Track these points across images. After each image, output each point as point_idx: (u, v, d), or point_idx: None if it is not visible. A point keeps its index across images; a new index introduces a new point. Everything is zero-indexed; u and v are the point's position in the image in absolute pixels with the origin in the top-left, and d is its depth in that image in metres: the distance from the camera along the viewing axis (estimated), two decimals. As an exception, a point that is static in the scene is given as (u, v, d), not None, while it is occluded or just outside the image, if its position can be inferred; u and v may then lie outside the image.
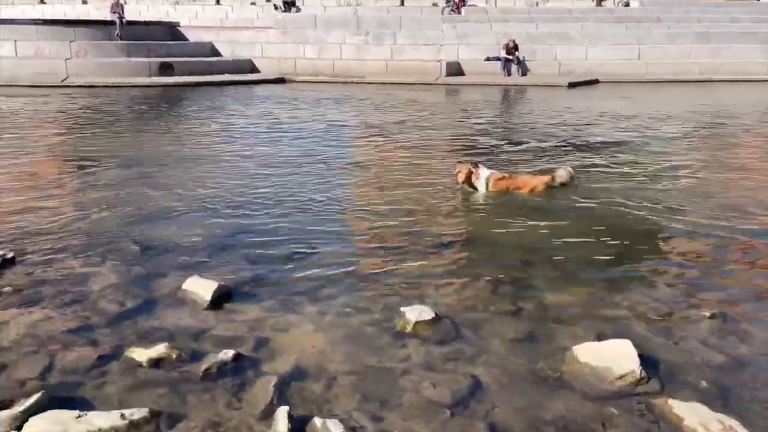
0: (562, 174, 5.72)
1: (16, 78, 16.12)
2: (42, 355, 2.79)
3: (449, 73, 19.01)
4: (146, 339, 2.94)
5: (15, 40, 17.88)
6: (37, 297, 3.40)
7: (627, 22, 22.84)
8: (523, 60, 19.39)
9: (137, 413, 2.28)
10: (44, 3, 36.02)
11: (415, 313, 3.05)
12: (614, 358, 2.51)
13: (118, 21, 19.37)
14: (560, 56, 19.87)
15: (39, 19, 20.55)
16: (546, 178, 5.68)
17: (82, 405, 2.42)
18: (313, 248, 4.20)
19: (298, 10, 29.20)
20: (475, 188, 5.60)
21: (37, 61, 17.11)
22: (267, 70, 19.84)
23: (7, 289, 3.47)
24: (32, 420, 2.24)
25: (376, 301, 3.37)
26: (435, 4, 31.86)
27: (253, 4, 34.68)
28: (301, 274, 3.75)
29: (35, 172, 6.54)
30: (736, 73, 18.47)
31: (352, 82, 18.15)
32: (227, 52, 20.97)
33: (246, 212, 5.04)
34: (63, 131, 9.35)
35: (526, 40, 19.90)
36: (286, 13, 27.46)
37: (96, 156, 7.31)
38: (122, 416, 2.26)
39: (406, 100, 13.95)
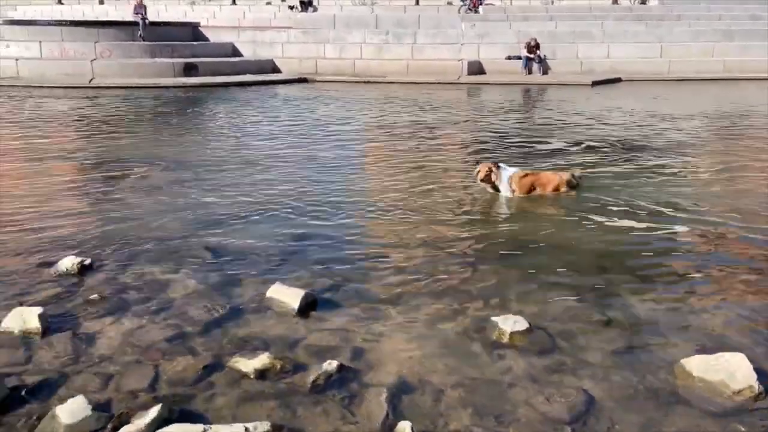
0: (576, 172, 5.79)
1: (42, 79, 16.25)
2: (146, 365, 2.81)
3: (470, 72, 18.97)
4: (244, 348, 2.95)
5: (40, 41, 18.00)
6: (123, 305, 3.43)
7: (647, 20, 22.71)
8: (545, 58, 19.32)
9: (260, 427, 2.29)
10: (62, 3, 36.27)
11: (510, 323, 3.04)
12: (728, 371, 2.50)
13: (141, 22, 19.45)
14: (581, 54, 19.79)
15: (64, 21, 20.67)
16: (566, 175, 5.65)
17: (197, 418, 2.44)
18: (385, 255, 4.20)
19: (315, 9, 29.24)
20: (497, 189, 5.56)
21: (63, 62, 17.24)
22: (288, 69, 19.87)
23: (94, 296, 3.49)
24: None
25: (460, 309, 3.37)
26: (450, 3, 31.78)
27: (268, 3, 34.80)
28: (379, 281, 3.76)
29: (83, 177, 6.56)
30: (762, 71, 18.29)
31: (374, 82, 18.15)
32: (248, 52, 21.03)
33: (307, 217, 5.06)
34: (98, 133, 9.39)
35: (546, 39, 19.82)
36: (304, 13, 27.48)
37: (138, 159, 7.34)
38: (246, 430, 2.27)
39: (444, 100, 13.91)
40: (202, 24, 23.61)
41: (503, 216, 5.29)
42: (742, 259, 4.13)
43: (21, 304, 3.37)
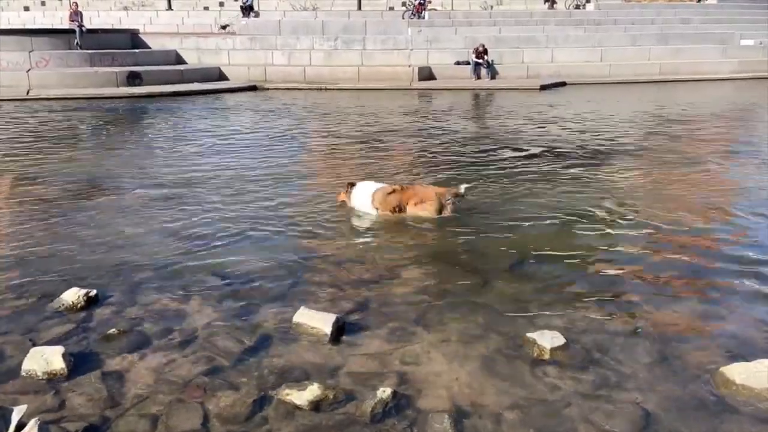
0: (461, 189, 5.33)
1: (-27, 91, 15.32)
2: (190, 404, 2.70)
3: (421, 78, 19.16)
4: (286, 379, 2.89)
5: (-32, 51, 16.98)
6: (145, 338, 3.29)
7: (586, 24, 23.56)
8: (492, 63, 19.74)
9: (337, 463, 2.25)
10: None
11: (548, 339, 3.11)
12: (768, 376, 2.64)
13: (78, 29, 18.60)
14: (527, 59, 20.32)
15: (-6, 28, 19.53)
16: (441, 190, 5.32)
17: (261, 456, 2.37)
18: (394, 272, 4.20)
19: (257, 15, 28.81)
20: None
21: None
22: (236, 77, 19.47)
23: (112, 331, 3.33)
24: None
25: (489, 326, 3.41)
26: (392, 8, 32.03)
27: (206, 9, 34.04)
28: (400, 300, 3.76)
29: (52, 197, 6.21)
30: (695, 73, 19.36)
31: (325, 89, 18.08)
32: (193, 60, 20.48)
33: (301, 235, 4.99)
34: (53, 150, 8.91)
35: (492, 44, 20.22)
36: (246, 19, 27.02)
37: (101, 177, 7.02)
38: (324, 468, 2.22)
39: (396, 106, 13.98)
40: (140, 31, 22.81)
41: (497, 225, 5.35)
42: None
43: (33, 343, 3.18)
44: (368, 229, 5.20)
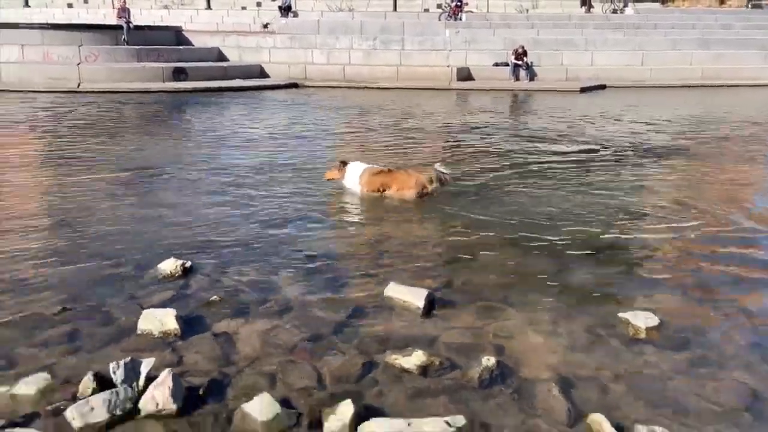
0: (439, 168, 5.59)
1: (27, 83, 15.79)
2: (303, 364, 2.81)
3: (459, 78, 19.22)
4: (388, 346, 2.98)
5: (21, 45, 17.52)
6: (244, 306, 3.41)
7: (625, 28, 23.36)
8: (531, 65, 19.71)
9: (458, 421, 2.34)
10: (29, 6, 35.29)
11: (641, 319, 3.16)
12: None
13: (125, 26, 19.09)
14: (566, 61, 20.25)
15: (45, 24, 20.08)
16: (423, 177, 5.54)
17: (378, 413, 2.46)
18: (472, 254, 4.28)
19: (296, 15, 29.16)
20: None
21: (48, 66, 16.79)
22: (276, 74, 19.75)
23: (214, 297, 3.47)
24: (365, 427, 2.28)
25: (576, 306, 3.46)
26: (427, 9, 32.18)
27: (243, 8, 34.55)
28: (482, 280, 3.83)
29: (123, 180, 6.41)
30: (736, 78, 19.06)
31: (365, 87, 18.25)
32: (234, 57, 20.85)
33: (369, 218, 5.11)
34: (113, 138, 9.18)
35: (530, 46, 20.19)
36: (285, 18, 27.37)
37: (163, 163, 7.21)
38: (447, 423, 2.31)
39: (436, 105, 14.05)
40: (183, 28, 23.27)
41: (563, 215, 5.39)
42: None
43: (141, 307, 3.33)
44: (431, 213, 5.27)
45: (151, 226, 4.81)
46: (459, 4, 26.68)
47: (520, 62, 19.38)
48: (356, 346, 3.01)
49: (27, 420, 2.35)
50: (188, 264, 3.86)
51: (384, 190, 5.61)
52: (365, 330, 3.18)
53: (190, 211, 5.27)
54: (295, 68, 19.85)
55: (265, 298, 3.52)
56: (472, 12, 27.52)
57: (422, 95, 16.80)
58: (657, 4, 32.83)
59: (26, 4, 35.40)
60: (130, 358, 2.62)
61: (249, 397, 2.50)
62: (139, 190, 6.07)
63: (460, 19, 25.46)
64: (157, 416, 2.39)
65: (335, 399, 2.52)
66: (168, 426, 2.35)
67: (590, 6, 31.09)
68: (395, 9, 31.58)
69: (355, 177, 5.68)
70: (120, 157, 7.60)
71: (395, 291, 3.50)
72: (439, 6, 31.10)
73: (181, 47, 20.26)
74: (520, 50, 19.38)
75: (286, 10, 28.89)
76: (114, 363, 2.57)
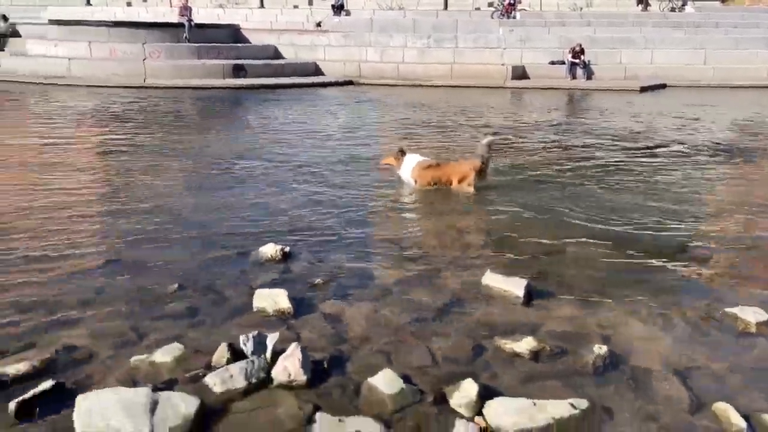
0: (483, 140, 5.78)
1: (94, 78, 16.39)
2: (415, 345, 2.91)
3: (514, 77, 19.07)
4: (494, 331, 3.04)
5: (89, 42, 18.22)
6: (345, 290, 3.53)
7: (685, 27, 22.74)
8: (589, 63, 19.39)
9: (581, 404, 2.39)
10: (90, 4, 36.61)
11: (750, 313, 3.14)
12: None
13: (186, 24, 19.62)
14: (624, 60, 19.85)
15: (110, 21, 20.84)
16: (476, 163, 5.67)
17: (495, 393, 2.53)
18: (562, 248, 4.30)
19: (348, 13, 29.39)
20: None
21: (115, 63, 17.42)
22: (331, 72, 19.99)
23: (317, 280, 3.61)
24: (491, 405, 2.35)
25: (677, 300, 3.46)
26: (477, 8, 32.00)
27: (296, 7, 35.05)
28: (577, 272, 3.86)
29: (198, 171, 6.63)
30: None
31: (419, 85, 18.30)
32: (290, 55, 21.18)
33: (447, 209, 5.17)
34: (182, 131, 9.49)
35: (586, 44, 19.85)
36: (338, 17, 27.64)
37: (235, 156, 7.40)
38: (572, 405, 2.36)
39: (494, 103, 14.02)
40: (243, 27, 23.76)
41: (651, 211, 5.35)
42: None
43: (250, 287, 3.48)
44: (512, 207, 5.29)
45: (242, 214, 4.99)
46: (512, 2, 26.45)
47: (577, 60, 19.10)
48: (462, 330, 3.09)
49: (168, 385, 2.51)
50: (287, 249, 4.01)
51: (437, 184, 5.69)
52: (467, 316, 3.25)
53: (276, 200, 5.45)
54: (349, 66, 20.05)
55: (363, 283, 3.64)
56: (525, 10, 27.22)
57: (477, 93, 16.75)
58: (717, 3, 31.82)
59: (88, 3, 36.74)
60: (257, 331, 2.76)
61: (369, 372, 2.61)
62: (223, 179, 6.27)
63: (514, 17, 25.23)
64: (288, 386, 2.51)
65: (452, 378, 2.60)
66: (299, 395, 2.47)
67: (647, 4, 30.37)
68: (446, 7, 31.49)
69: (409, 168, 5.77)
70: (202, 147, 7.88)
71: (493, 280, 3.57)
72: (490, 4, 30.90)
73: (239, 45, 20.71)
74: (577, 48, 19.10)
75: (338, 8, 29.14)
76: (243, 336, 2.72)
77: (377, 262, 4.01)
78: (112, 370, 2.65)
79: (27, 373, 2.53)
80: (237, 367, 2.51)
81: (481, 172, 5.69)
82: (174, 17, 25.76)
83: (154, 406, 2.23)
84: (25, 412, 2.29)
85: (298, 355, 2.56)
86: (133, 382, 2.54)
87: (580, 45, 19.18)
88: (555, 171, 6.79)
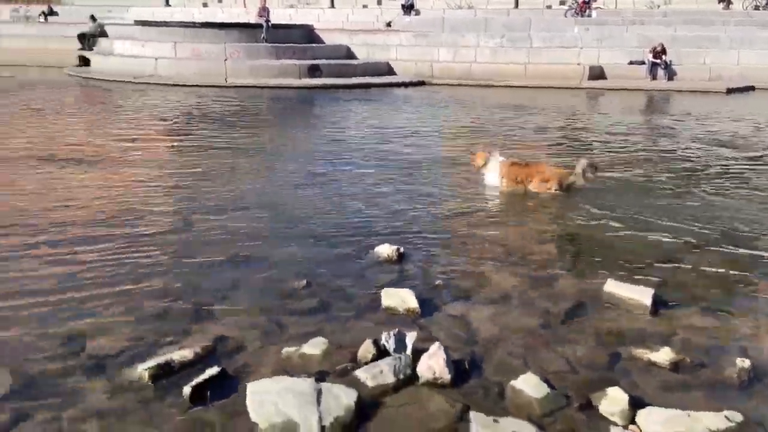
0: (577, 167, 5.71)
1: (179, 78, 17.07)
2: (547, 350, 2.94)
3: (591, 77, 18.66)
4: (625, 340, 3.04)
5: (174, 42, 19.00)
6: (463, 291, 3.61)
7: (772, 25, 21.63)
8: (670, 64, 18.75)
9: (736, 417, 2.37)
10: (169, 5, 38.11)
11: None
12: None
13: (264, 24, 20.17)
14: (709, 60, 19.07)
15: (196, 22, 21.66)
16: (565, 173, 5.66)
17: (641, 402, 2.53)
18: (674, 256, 4.22)
19: (417, 13, 29.46)
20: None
21: (198, 62, 18.10)
22: (403, 72, 20.09)
23: (438, 282, 3.69)
24: (643, 414, 2.36)
25: None
26: (549, 6, 31.41)
27: (365, 7, 35.39)
28: (696, 281, 3.79)
29: (290, 169, 6.83)
30: None
31: (493, 86, 18.15)
32: (362, 54, 21.42)
33: (551, 217, 5.15)
34: (267, 129, 9.80)
35: (667, 44, 19.20)
36: (408, 17, 27.75)
37: (334, 154, 7.62)
38: (726, 418, 2.34)
39: (578, 104, 13.78)
40: (316, 27, 24.21)
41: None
42: None
43: (375, 285, 3.60)
44: (613, 213, 5.21)
45: (348, 212, 5.16)
46: (587, 0, 25.85)
47: (658, 61, 18.49)
48: (591, 336, 3.10)
49: (320, 376, 2.64)
50: (401, 249, 4.11)
51: (523, 183, 5.75)
52: (595, 322, 3.26)
53: (380, 200, 5.57)
54: (421, 66, 20.11)
55: (481, 286, 3.69)
56: (600, 8, 26.53)
57: (554, 93, 16.49)
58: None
59: (167, 3, 38.23)
60: (397, 330, 2.87)
61: (507, 374, 2.68)
62: (324, 178, 6.42)
63: (589, 16, 24.64)
64: (433, 384, 2.60)
65: (593, 384, 2.63)
66: (445, 394, 2.55)
67: (729, 2, 29.03)
68: (517, 6, 31.02)
69: (496, 170, 5.83)
70: (296, 146, 8.16)
71: (616, 287, 3.55)
72: (562, 2, 30.27)
73: (313, 45, 21.12)
74: (659, 48, 18.49)
75: (408, 8, 29.24)
76: (385, 333, 2.83)
77: (490, 265, 4.05)
78: (264, 359, 2.81)
79: (191, 360, 2.72)
80: (386, 364, 2.62)
81: (563, 185, 5.65)
82: (248, 18, 26.62)
83: (318, 396, 2.37)
84: (197, 396, 2.47)
85: (442, 354, 2.65)
86: (285, 372, 2.69)
87: (662, 44, 18.56)
88: (658, 176, 6.64)
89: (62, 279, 3.65)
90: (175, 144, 8.40)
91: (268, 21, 20.49)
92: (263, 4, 21.02)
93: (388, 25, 27.86)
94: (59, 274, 3.71)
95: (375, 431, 2.33)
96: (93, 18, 23.25)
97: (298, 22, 26.71)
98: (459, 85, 18.49)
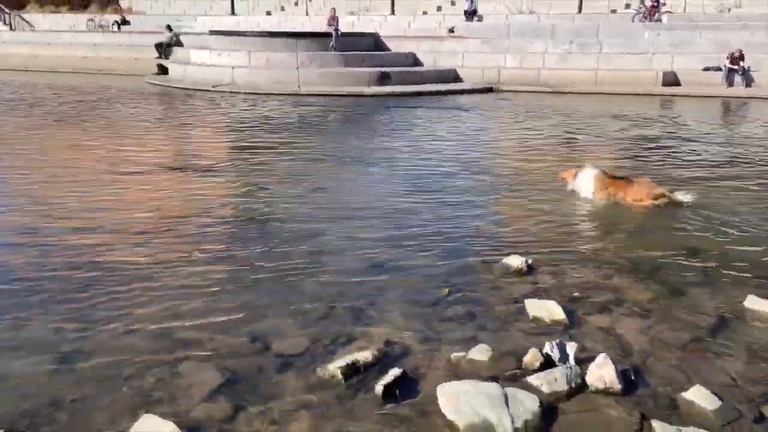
0: (680, 196, 5.74)
1: (254, 86, 17.68)
2: (704, 362, 3.04)
3: (665, 83, 18.32)
4: (778, 356, 3.11)
5: (249, 51, 19.66)
6: (602, 304, 3.72)
7: None
8: (748, 70, 18.21)
9: None
10: (235, 14, 39.31)
11: None
12: None
13: (334, 33, 20.64)
14: (789, 66, 18.43)
15: (268, 31, 22.33)
16: (659, 191, 5.71)
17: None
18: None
19: (480, 18, 29.47)
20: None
21: (272, 71, 18.69)
22: (469, 78, 20.20)
23: (575, 293, 3.84)
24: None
25: None
26: (614, 11, 30.87)
27: (425, 13, 35.61)
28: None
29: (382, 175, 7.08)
30: None
31: (563, 92, 18.04)
32: (428, 62, 21.63)
33: (666, 228, 5.19)
34: (370, 137, 10.09)
35: (744, 49, 18.65)
36: (470, 23, 27.80)
37: (443, 162, 7.86)
38: None
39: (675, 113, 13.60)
40: (381, 35, 24.59)
41: None
42: None
43: (513, 297, 3.77)
44: (728, 225, 5.22)
45: (465, 222, 5.36)
46: (656, 3, 25.32)
47: (735, 67, 18.00)
48: (744, 351, 3.18)
49: (492, 381, 2.83)
50: (529, 261, 4.27)
51: (615, 197, 5.82)
52: (744, 337, 3.33)
53: (489, 210, 5.76)
54: (488, 72, 20.17)
55: (618, 299, 3.80)
56: (670, 12, 25.94)
57: (628, 101, 16.23)
58: None
59: (232, 12, 39.43)
60: (558, 340, 3.04)
61: (671, 385, 2.80)
62: (430, 186, 6.66)
63: (659, 20, 24.14)
64: (604, 392, 2.75)
65: (760, 398, 2.72)
66: (618, 402, 2.70)
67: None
68: (580, 10, 30.69)
69: (587, 182, 5.92)
70: (393, 154, 8.43)
71: (757, 304, 3.61)
72: (628, 6, 29.72)
73: (381, 53, 21.48)
74: (736, 54, 17.99)
75: (471, 14, 29.29)
76: (549, 343, 3.01)
77: (618, 277, 4.15)
78: (433, 363, 3.02)
79: (371, 362, 2.96)
80: (559, 372, 2.78)
81: (654, 199, 5.72)
82: (311, 26, 27.26)
83: (506, 400, 2.55)
84: (386, 394, 2.70)
85: (611, 365, 2.79)
86: (456, 376, 2.89)
87: (740, 51, 18.04)
88: (757, 188, 6.58)
89: (224, 281, 3.98)
90: (280, 152, 8.69)
91: (337, 30, 20.96)
92: (333, 14, 21.52)
93: (451, 31, 27.95)
94: (222, 277, 4.04)
95: (562, 435, 2.50)
96: (169, 28, 24.24)
97: (361, 29, 27.18)
98: (527, 91, 18.43)
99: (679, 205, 5.68)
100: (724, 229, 5.14)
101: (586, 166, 6.14)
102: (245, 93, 17.00)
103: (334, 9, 21.74)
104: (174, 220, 5.28)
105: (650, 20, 24.46)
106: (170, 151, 8.84)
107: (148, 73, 20.95)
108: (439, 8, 35.86)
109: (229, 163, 7.76)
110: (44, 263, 4.25)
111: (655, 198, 5.70)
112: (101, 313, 3.50)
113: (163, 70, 21.09)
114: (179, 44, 23.94)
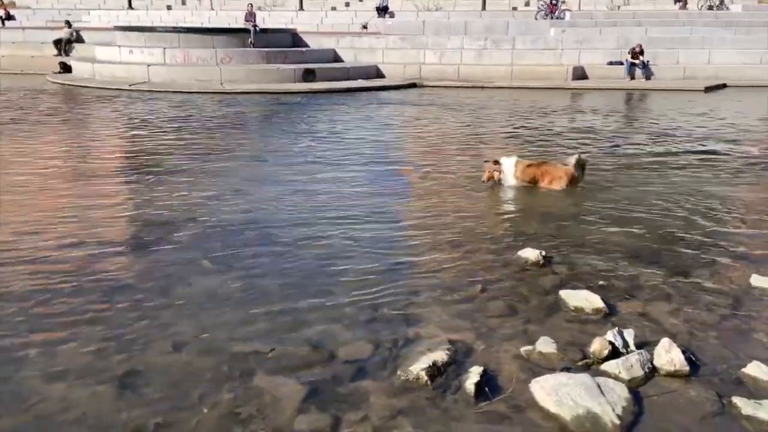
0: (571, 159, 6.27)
1: (174, 84, 16.89)
2: (746, 341, 3.28)
3: (575, 77, 19.41)
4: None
5: (164, 48, 18.72)
6: (625, 291, 3.90)
7: (735, 26, 22.93)
8: (648, 64, 19.67)
9: None
10: (132, 8, 37.18)
11: None
12: None
13: (252, 29, 20.08)
14: (682, 60, 20.11)
15: (181, 27, 21.28)
16: (569, 169, 6.20)
17: None
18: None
19: (392, 15, 29.78)
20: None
21: (191, 68, 17.90)
22: (391, 75, 20.36)
23: (600, 282, 3.99)
24: None
25: None
26: (515, 8, 32.31)
27: (333, 9, 35.46)
28: None
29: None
30: None
31: (481, 87, 18.62)
32: (349, 58, 21.59)
33: (652, 215, 5.52)
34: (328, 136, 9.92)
35: (643, 44, 20.14)
36: (382, 19, 28.03)
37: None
38: None
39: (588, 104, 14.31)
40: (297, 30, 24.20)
41: None
42: None
43: (543, 288, 3.87)
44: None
45: (466, 218, 5.41)
46: (555, 2, 26.72)
47: (636, 61, 19.39)
48: (768, 325, 3.46)
49: (566, 371, 2.90)
50: (543, 253, 4.39)
51: (536, 182, 6.26)
52: (762, 312, 3.61)
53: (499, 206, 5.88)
54: (410, 69, 20.42)
55: (637, 285, 4.00)
56: (569, 10, 27.47)
57: (543, 94, 16.99)
58: (754, 2, 31.88)
59: (129, 6, 37.29)
60: (617, 328, 3.16)
61: (728, 362, 3.01)
62: (426, 187, 6.68)
63: (561, 18, 25.51)
64: (674, 375, 2.90)
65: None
66: (689, 383, 2.85)
67: (685, 3, 30.52)
68: (484, 8, 31.79)
69: (510, 170, 6.28)
70: (384, 151, 8.30)
71: (763, 282, 3.93)
72: (527, 4, 31.23)
73: (302, 49, 21.15)
74: (637, 49, 19.39)
75: (382, 10, 29.54)
76: (611, 332, 3.12)
77: (635, 265, 4.32)
78: (503, 357, 3.05)
79: (447, 361, 2.94)
80: (634, 358, 2.90)
81: (573, 180, 6.21)
82: (218, 21, 26.38)
83: (600, 389, 2.63)
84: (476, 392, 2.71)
85: (676, 348, 2.95)
86: (531, 369, 2.94)
87: (640, 46, 19.46)
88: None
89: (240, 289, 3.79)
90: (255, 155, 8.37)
91: (255, 25, 20.43)
92: (250, 9, 20.98)
93: (364, 27, 28.04)
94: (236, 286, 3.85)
95: (657, 418, 2.60)
96: (68, 23, 22.60)
97: (272, 25, 26.60)
98: (449, 87, 18.84)
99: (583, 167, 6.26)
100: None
101: (503, 158, 6.41)
102: (167, 92, 16.13)
103: (251, 5, 21.23)
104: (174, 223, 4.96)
105: (552, 18, 25.81)
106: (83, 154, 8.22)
107: (47, 71, 19.40)
108: (347, 4, 35.79)
109: (192, 167, 7.36)
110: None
111: (571, 176, 6.14)
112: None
113: (66, 68, 19.61)
114: (80, 40, 22.40)
